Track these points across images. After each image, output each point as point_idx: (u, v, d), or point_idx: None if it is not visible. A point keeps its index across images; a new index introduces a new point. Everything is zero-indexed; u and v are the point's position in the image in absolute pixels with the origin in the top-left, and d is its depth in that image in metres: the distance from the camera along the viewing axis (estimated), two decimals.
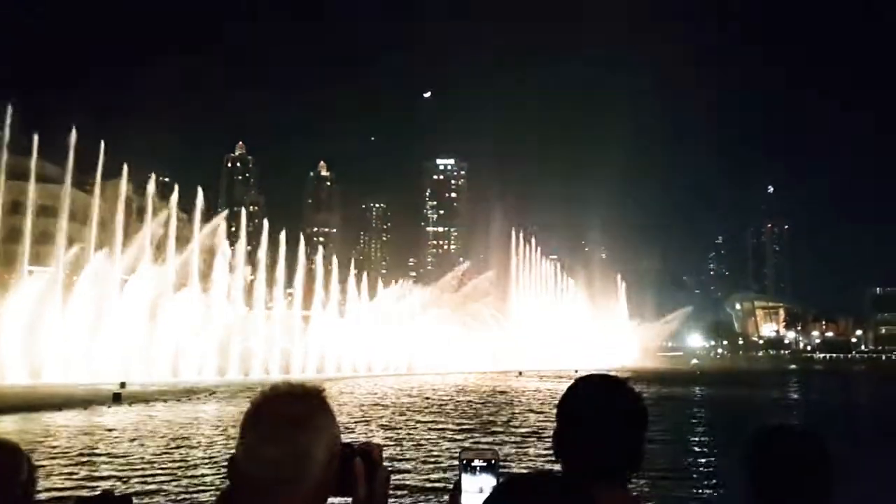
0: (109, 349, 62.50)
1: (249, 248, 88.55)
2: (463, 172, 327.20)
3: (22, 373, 55.96)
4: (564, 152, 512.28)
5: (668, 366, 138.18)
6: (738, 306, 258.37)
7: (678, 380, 78.58)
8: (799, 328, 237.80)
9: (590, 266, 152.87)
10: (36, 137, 68.66)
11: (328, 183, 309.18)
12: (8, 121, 66.48)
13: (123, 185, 74.17)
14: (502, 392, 51.01)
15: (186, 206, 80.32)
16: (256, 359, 74.84)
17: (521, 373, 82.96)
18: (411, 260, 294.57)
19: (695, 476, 19.26)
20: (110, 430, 27.36)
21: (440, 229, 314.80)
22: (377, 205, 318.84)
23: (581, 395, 2.09)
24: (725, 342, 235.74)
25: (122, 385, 46.90)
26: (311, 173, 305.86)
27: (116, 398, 40.36)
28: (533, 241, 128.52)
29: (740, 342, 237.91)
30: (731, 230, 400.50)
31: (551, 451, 2.02)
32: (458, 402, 42.44)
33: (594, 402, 2.03)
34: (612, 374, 2.19)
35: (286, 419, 1.63)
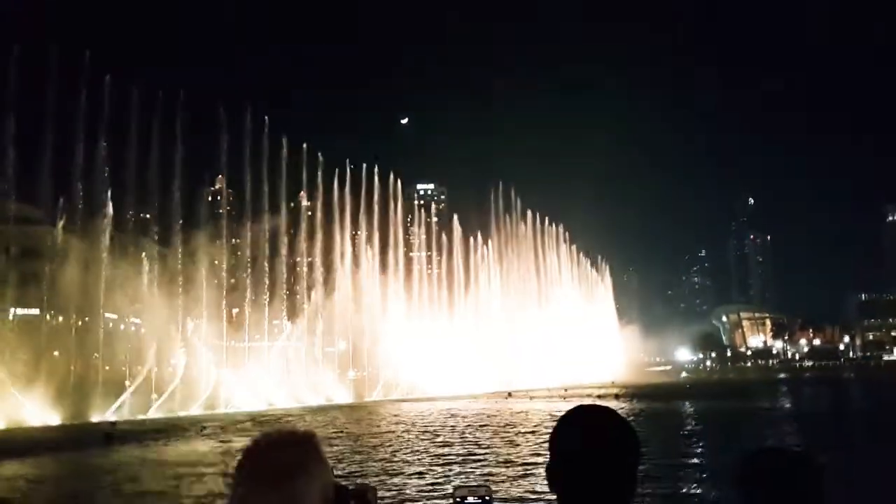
0: (102, 387, 61.83)
1: (233, 280, 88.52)
2: (443, 196, 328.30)
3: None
4: (544, 171, 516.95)
5: (658, 380, 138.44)
6: (724, 318, 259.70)
7: (668, 394, 78.83)
8: (786, 337, 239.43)
9: (575, 284, 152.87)
10: None
11: (309, 213, 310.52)
12: None
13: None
14: (493, 415, 50.89)
15: (167, 241, 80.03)
16: (243, 391, 74.26)
17: (510, 394, 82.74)
18: (394, 285, 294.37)
19: (689, 499, 19.35)
20: (105, 473, 27.03)
21: (424, 254, 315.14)
22: (359, 232, 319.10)
23: (572, 427, 2.06)
24: (713, 354, 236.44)
25: (114, 424, 46.40)
26: (292, 204, 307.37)
27: (108, 438, 39.88)
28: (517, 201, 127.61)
29: (728, 354, 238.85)
30: (713, 243, 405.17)
31: (546, 483, 2.07)
32: (450, 426, 42.38)
33: (585, 435, 2.02)
34: (602, 403, 2.31)
35: (279, 467, 1.63)
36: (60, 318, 68.40)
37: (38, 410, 57.16)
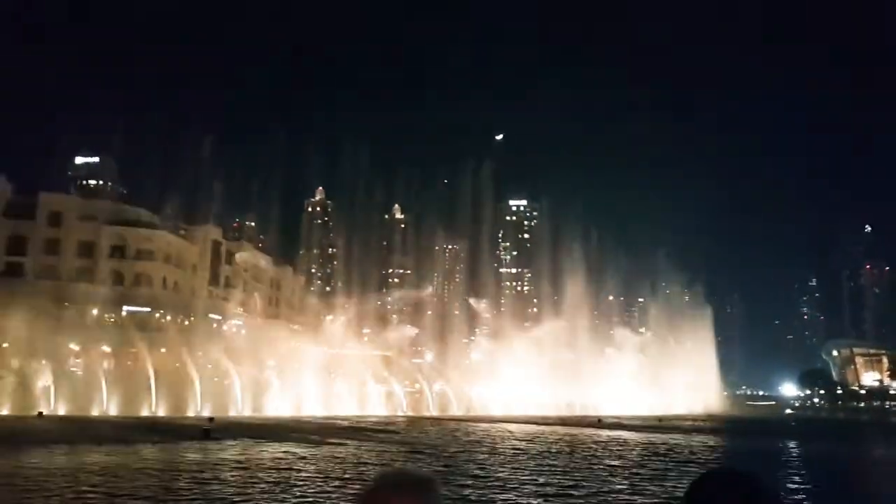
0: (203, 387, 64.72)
1: (329, 289, 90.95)
2: (535, 213, 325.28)
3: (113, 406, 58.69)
4: (640, 190, 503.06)
5: (759, 415, 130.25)
6: (834, 353, 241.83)
7: (771, 432, 73.67)
8: None
9: (672, 308, 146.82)
10: None
11: (402, 226, 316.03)
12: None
13: None
14: (583, 443, 49.16)
15: (269, 250, 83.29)
16: (337, 398, 75.72)
17: (600, 420, 79.79)
18: (484, 301, 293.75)
19: None
20: (192, 469, 27.70)
21: (513, 270, 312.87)
22: (450, 246, 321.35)
23: (708, 497, 1.84)
24: (822, 391, 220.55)
25: (211, 420, 48.43)
26: (386, 216, 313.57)
27: (206, 433, 41.57)
28: None
29: (838, 392, 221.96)
30: (825, 272, 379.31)
31: None
32: (535, 453, 41.20)
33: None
34: (744, 470, 1.88)
35: None
36: (168, 318, 72.21)
37: (144, 403, 60.60)
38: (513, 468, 31.40)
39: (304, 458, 33.02)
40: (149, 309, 72.10)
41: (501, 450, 40.60)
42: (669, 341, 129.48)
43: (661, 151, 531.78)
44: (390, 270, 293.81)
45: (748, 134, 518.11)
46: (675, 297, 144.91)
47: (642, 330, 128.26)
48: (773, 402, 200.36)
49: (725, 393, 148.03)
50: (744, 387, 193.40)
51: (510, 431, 57.08)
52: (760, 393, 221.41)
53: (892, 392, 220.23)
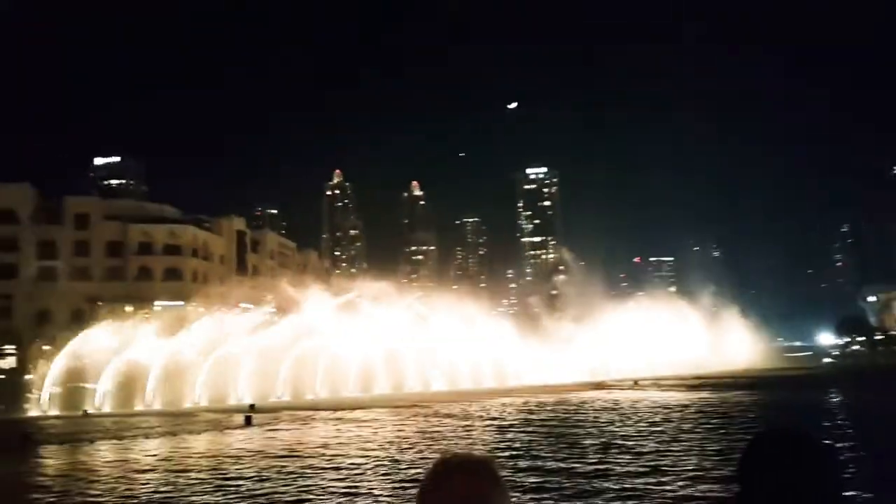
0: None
1: (353, 270, 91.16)
2: (555, 180, 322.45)
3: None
4: (661, 144, 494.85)
5: (798, 366, 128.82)
6: (871, 299, 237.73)
7: (809, 382, 72.69)
8: None
9: (702, 266, 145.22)
10: None
11: (422, 202, 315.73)
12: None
13: None
14: (616, 407, 48.87)
15: (292, 236, 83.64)
16: (368, 378, 76.28)
17: (636, 382, 79.40)
18: (509, 272, 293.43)
19: None
20: (231, 456, 27.93)
21: (536, 239, 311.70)
22: (471, 219, 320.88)
23: (765, 458, 1.83)
24: (860, 338, 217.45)
25: (252, 407, 49.22)
26: (405, 194, 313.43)
27: (248, 421, 42.27)
28: None
29: (877, 337, 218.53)
30: (858, 217, 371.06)
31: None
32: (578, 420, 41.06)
33: (781, 468, 1.79)
34: (800, 430, 1.85)
35: (466, 498, 1.64)
36: (201, 309, 73.09)
37: (188, 394, 61.84)
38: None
39: (359, 438, 33.27)
40: (181, 302, 73.30)
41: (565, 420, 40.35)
42: (699, 298, 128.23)
43: (685, 102, 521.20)
44: (413, 248, 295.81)
45: (776, 77, 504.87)
46: (704, 254, 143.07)
47: (672, 289, 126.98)
48: (811, 353, 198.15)
49: (763, 345, 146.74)
50: (780, 339, 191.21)
51: (555, 400, 56.97)
52: (797, 344, 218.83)
53: None
